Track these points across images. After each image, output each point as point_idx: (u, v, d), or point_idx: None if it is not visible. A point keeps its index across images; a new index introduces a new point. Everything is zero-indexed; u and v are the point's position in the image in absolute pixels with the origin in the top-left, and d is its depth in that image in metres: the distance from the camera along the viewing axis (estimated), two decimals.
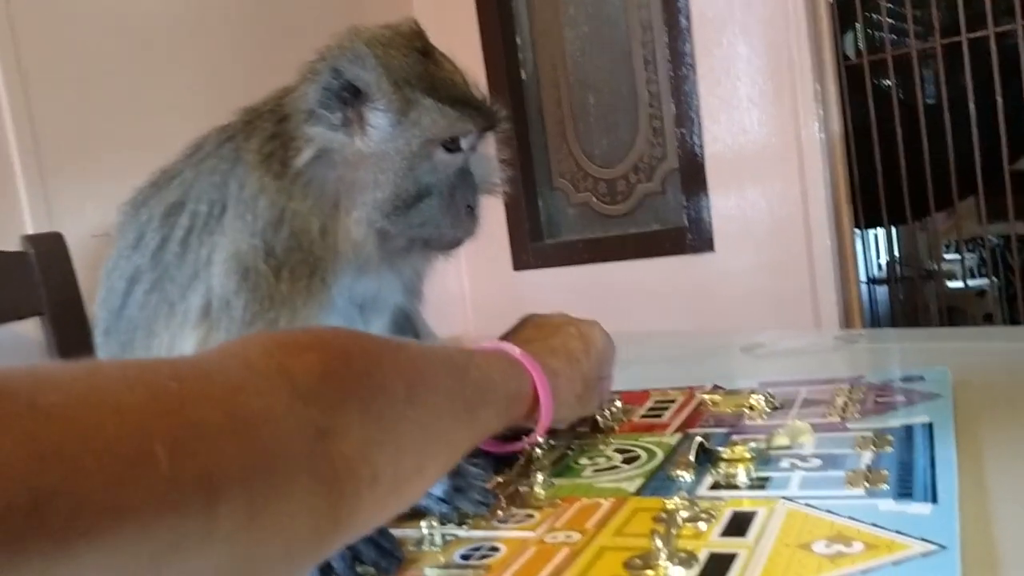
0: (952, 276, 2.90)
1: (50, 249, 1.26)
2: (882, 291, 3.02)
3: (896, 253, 2.96)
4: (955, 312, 2.73)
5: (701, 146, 2.15)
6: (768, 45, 2.06)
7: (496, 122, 0.73)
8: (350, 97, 0.68)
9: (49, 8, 1.51)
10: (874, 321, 2.38)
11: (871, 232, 2.91)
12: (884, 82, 2.21)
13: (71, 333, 1.25)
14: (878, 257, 3.06)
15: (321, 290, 0.68)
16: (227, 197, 0.69)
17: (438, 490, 0.63)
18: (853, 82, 2.13)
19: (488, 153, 0.77)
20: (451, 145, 0.70)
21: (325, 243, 0.68)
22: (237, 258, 0.67)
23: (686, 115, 2.16)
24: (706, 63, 2.12)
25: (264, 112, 0.72)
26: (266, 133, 0.70)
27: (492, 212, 2.63)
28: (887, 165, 2.13)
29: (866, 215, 2.19)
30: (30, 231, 1.37)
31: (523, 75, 2.42)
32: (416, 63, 0.69)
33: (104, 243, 0.81)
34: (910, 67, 2.13)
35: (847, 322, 2.09)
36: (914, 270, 2.90)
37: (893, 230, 2.87)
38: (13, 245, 1.23)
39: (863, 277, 2.62)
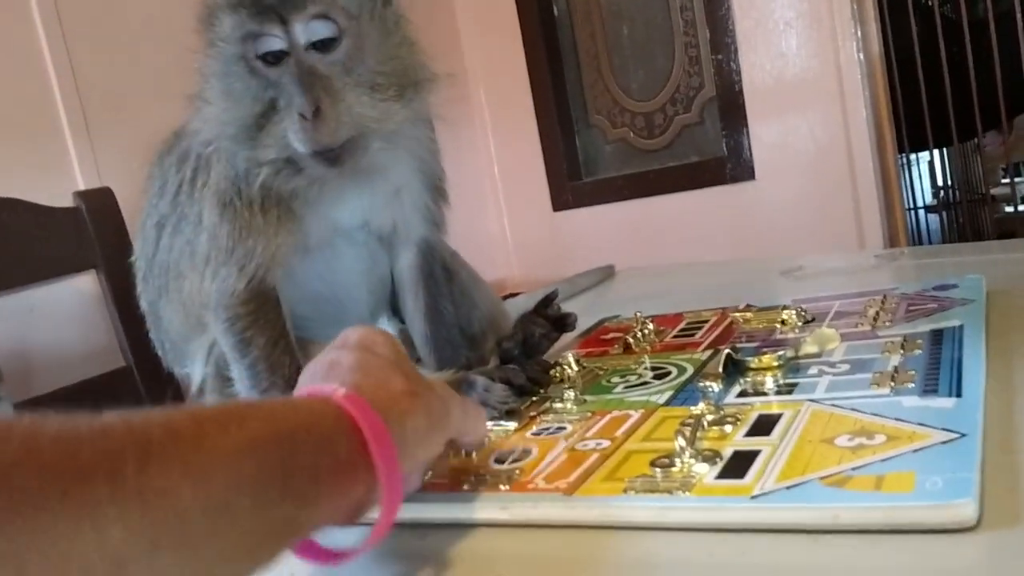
0: (1008, 200, 2.83)
1: (101, 204, 1.31)
2: (934, 218, 2.95)
3: (948, 178, 2.89)
4: (1008, 238, 2.67)
5: (738, 72, 2.11)
6: None
7: (280, 10, 0.64)
8: None
9: None
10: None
11: (923, 157, 2.83)
12: (927, 2, 2.14)
13: (124, 285, 1.30)
14: (932, 184, 2.99)
15: (290, 219, 0.71)
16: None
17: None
18: (895, 1, 2.06)
19: (354, 48, 0.66)
20: (270, 55, 0.65)
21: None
22: (218, 195, 0.71)
23: (722, 41, 2.12)
24: None
25: None
26: None
27: (529, 152, 2.63)
28: (932, 85, 2.08)
29: (911, 138, 2.14)
30: (81, 188, 1.41)
31: (556, 11, 2.39)
32: None
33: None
34: None
35: (892, 247, 2.06)
36: (965, 195, 2.84)
37: (945, 154, 2.80)
38: (66, 202, 1.28)
39: (914, 203, 2.57)
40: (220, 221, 0.70)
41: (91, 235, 1.28)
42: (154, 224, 0.80)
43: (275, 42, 0.65)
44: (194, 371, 0.81)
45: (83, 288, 1.38)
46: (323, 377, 0.47)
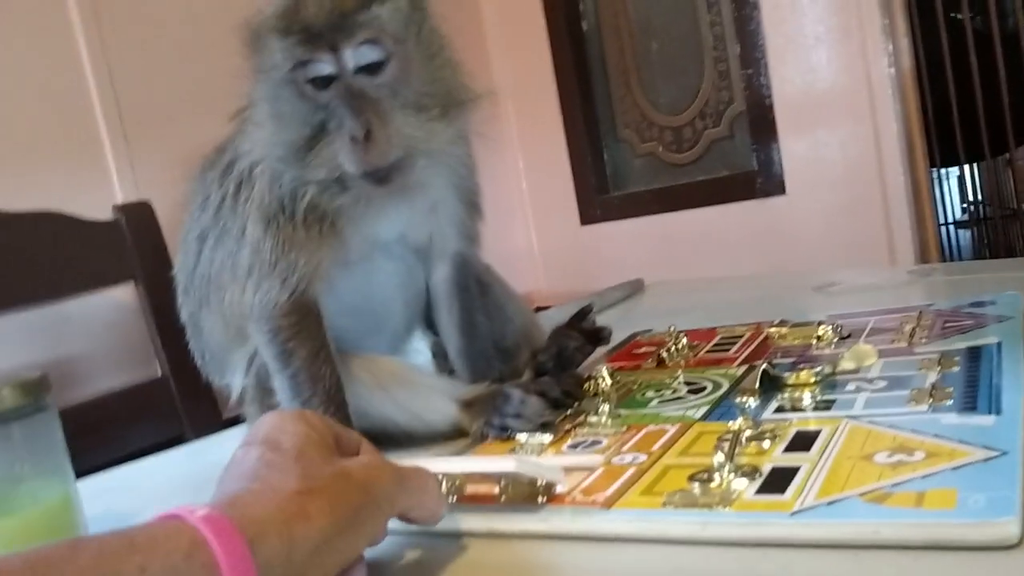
0: None
1: (140, 217, 1.33)
2: (964, 234, 2.92)
3: (979, 194, 2.85)
4: None
5: (768, 87, 2.11)
6: None
7: (330, 37, 0.65)
8: None
9: None
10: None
11: (953, 172, 2.80)
12: (957, 15, 2.12)
13: (162, 296, 1.33)
14: (963, 200, 2.95)
15: (332, 234, 0.72)
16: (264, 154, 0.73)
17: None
18: (926, 15, 2.05)
19: (400, 70, 0.67)
20: (319, 80, 0.66)
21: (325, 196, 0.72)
22: (262, 209, 0.72)
23: (752, 56, 2.12)
24: (770, 1, 2.07)
25: None
26: None
27: (558, 166, 2.65)
28: (963, 100, 2.06)
29: (943, 153, 2.12)
30: (120, 201, 1.44)
31: (584, 26, 2.41)
32: (282, 4, 0.67)
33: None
34: None
35: (923, 263, 2.05)
36: (997, 210, 2.80)
37: (975, 170, 2.77)
38: (105, 215, 1.30)
39: (945, 219, 2.54)
40: (264, 235, 0.72)
41: (130, 248, 1.30)
42: (196, 237, 0.82)
43: (325, 67, 0.66)
44: (234, 382, 0.83)
45: (120, 299, 1.40)
46: (231, 479, 0.44)
